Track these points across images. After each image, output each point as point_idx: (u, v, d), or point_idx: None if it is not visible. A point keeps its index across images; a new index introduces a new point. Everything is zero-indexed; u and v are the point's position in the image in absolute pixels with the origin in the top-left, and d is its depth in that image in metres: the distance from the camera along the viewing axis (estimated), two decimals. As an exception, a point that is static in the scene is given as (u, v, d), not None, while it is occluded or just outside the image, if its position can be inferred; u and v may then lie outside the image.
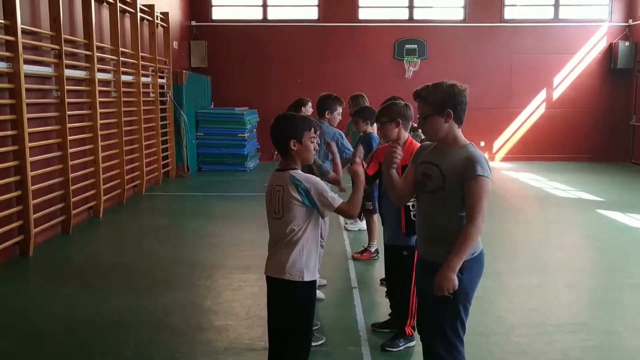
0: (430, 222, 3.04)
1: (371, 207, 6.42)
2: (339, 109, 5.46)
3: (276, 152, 3.23)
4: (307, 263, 3.10)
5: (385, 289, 5.38)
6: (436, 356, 3.06)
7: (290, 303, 3.13)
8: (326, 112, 5.38)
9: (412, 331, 4.21)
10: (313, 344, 3.50)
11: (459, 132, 3.01)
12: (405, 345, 4.22)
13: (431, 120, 2.99)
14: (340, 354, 4.18)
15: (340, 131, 5.52)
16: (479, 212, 2.85)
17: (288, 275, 3.09)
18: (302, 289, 3.11)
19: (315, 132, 3.16)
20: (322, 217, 3.13)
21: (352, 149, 5.35)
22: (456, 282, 2.85)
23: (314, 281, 3.17)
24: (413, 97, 3.14)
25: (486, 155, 15.81)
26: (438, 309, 3.01)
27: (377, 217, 6.30)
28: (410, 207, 4.04)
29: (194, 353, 4.20)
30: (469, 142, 3.01)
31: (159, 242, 7.35)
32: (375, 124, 6.19)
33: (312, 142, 3.14)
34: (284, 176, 3.09)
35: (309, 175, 3.11)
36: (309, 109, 5.95)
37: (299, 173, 3.09)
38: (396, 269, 4.41)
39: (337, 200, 3.07)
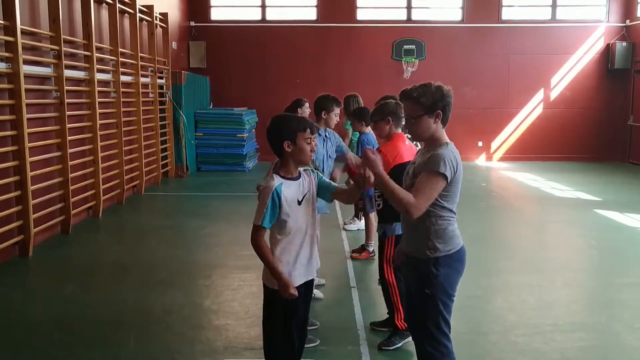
0: (408, 218, 3.10)
1: (361, 206, 6.46)
2: (336, 110, 5.39)
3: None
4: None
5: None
6: (424, 353, 3.13)
7: (265, 305, 3.18)
8: (322, 113, 5.32)
9: (405, 325, 4.23)
10: (306, 345, 3.53)
11: (443, 132, 3.09)
12: (402, 342, 4.22)
13: (422, 121, 3.04)
14: (339, 353, 4.20)
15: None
16: (419, 199, 2.91)
17: (264, 279, 3.14)
18: (272, 294, 3.12)
19: (311, 134, 3.09)
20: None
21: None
22: (372, 178, 2.89)
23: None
24: (400, 97, 3.19)
25: (483, 155, 15.91)
26: (419, 306, 3.09)
27: (374, 217, 6.33)
28: (376, 197, 4.25)
29: (193, 352, 4.21)
30: (448, 141, 3.08)
31: (158, 242, 7.36)
32: (368, 124, 6.27)
33: (308, 144, 3.08)
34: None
35: (270, 184, 3.01)
36: (305, 110, 5.94)
37: (269, 179, 3.05)
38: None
39: (259, 221, 2.98)
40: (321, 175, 3.27)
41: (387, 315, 4.58)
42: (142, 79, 10.68)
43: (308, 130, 3.07)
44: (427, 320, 3.06)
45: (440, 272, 3.00)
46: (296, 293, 3.04)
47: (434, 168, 2.93)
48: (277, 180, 3.03)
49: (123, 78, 9.72)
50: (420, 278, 3.07)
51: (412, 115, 3.08)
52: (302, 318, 3.21)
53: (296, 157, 3.08)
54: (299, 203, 3.08)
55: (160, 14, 12.03)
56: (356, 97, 7.51)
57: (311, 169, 3.23)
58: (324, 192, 3.22)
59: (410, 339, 4.18)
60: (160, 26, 12.15)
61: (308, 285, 3.22)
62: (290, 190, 3.05)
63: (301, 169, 3.18)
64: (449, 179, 2.95)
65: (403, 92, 3.14)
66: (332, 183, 3.29)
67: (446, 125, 3.09)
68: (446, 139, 3.08)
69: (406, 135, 4.31)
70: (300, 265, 3.12)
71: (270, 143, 3.12)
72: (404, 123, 4.35)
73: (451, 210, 3.06)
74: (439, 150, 3.01)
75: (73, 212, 7.68)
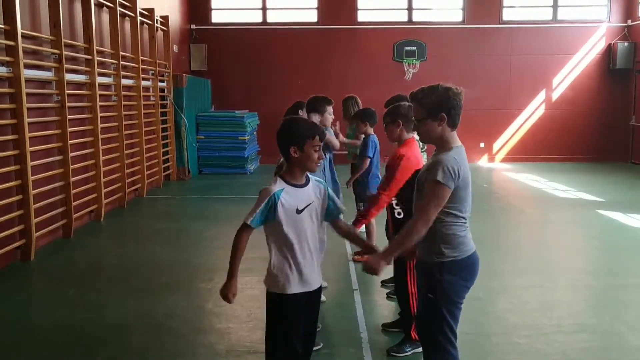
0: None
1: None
2: (329, 109, 5.32)
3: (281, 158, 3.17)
4: (277, 275, 3.04)
5: (386, 290, 5.42)
6: (429, 359, 3.09)
7: (266, 310, 3.15)
8: (317, 116, 5.30)
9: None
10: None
11: (452, 136, 3.01)
12: (413, 351, 4.16)
13: (425, 124, 2.99)
14: (342, 355, 4.18)
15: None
16: (420, 215, 2.91)
17: (265, 283, 3.13)
18: (272, 299, 3.09)
19: (320, 141, 3.03)
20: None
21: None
22: (380, 269, 2.96)
23: (289, 295, 3.02)
24: (409, 99, 3.16)
25: (486, 157, 15.85)
26: (425, 313, 3.05)
27: (374, 219, 6.30)
28: (394, 205, 4.08)
29: (195, 356, 4.21)
30: (458, 145, 3.00)
31: (160, 245, 7.36)
32: (373, 125, 6.25)
33: (315, 152, 3.00)
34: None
35: (271, 188, 2.99)
36: (306, 113, 5.94)
37: (272, 182, 3.03)
38: (395, 269, 4.43)
39: (248, 220, 3.03)
40: (333, 195, 3.17)
41: (398, 316, 4.56)
42: (143, 82, 10.69)
43: (317, 138, 3.01)
44: (433, 327, 3.01)
45: (445, 278, 2.94)
46: (232, 301, 3.11)
47: (434, 177, 2.87)
48: (279, 185, 3.00)
49: (124, 81, 9.73)
50: (426, 283, 3.04)
51: (416, 118, 3.04)
52: (303, 326, 3.11)
53: (302, 164, 3.01)
54: (298, 212, 2.99)
55: (161, 17, 12.04)
56: (355, 99, 7.49)
57: (323, 184, 3.15)
58: (328, 213, 3.14)
59: (420, 349, 4.14)
60: (161, 29, 12.16)
61: (310, 296, 3.10)
62: (291, 197, 2.98)
63: (313, 177, 3.12)
64: (451, 187, 2.87)
65: (411, 94, 3.11)
66: (340, 209, 3.19)
67: (456, 128, 3.00)
68: (455, 142, 3.00)
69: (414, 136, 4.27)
70: (296, 274, 3.03)
71: (279, 145, 3.08)
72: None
73: (458, 216, 2.97)
74: (441, 156, 2.95)
75: (75, 215, 7.68)
